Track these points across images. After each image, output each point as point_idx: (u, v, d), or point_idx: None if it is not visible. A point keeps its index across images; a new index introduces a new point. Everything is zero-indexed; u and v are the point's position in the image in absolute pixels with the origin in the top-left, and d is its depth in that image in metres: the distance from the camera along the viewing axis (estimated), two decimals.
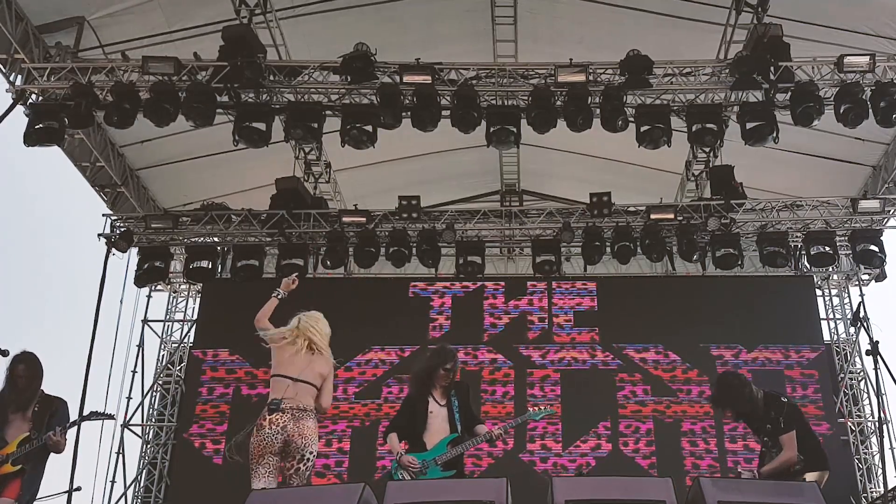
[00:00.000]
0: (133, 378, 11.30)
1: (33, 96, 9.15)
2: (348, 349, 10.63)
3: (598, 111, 8.90)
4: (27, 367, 5.42)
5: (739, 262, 10.77)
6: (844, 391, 11.21)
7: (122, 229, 10.90)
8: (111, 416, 5.90)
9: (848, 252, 11.18)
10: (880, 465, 10.82)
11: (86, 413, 5.71)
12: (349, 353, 10.60)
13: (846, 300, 12.17)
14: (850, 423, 11.03)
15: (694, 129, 9.08)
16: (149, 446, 11.31)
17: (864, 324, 6.30)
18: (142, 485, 11.09)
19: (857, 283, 11.86)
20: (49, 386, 5.50)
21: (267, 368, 10.92)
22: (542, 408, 6.06)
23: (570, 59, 8.86)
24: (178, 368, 11.84)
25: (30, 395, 5.40)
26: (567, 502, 4.59)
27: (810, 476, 5.20)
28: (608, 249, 10.95)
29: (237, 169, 11.39)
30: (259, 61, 8.83)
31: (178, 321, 12.32)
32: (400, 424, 5.79)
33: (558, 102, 9.03)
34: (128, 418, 11.06)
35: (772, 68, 8.57)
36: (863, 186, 11.37)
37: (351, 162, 11.71)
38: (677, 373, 10.37)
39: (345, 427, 10.27)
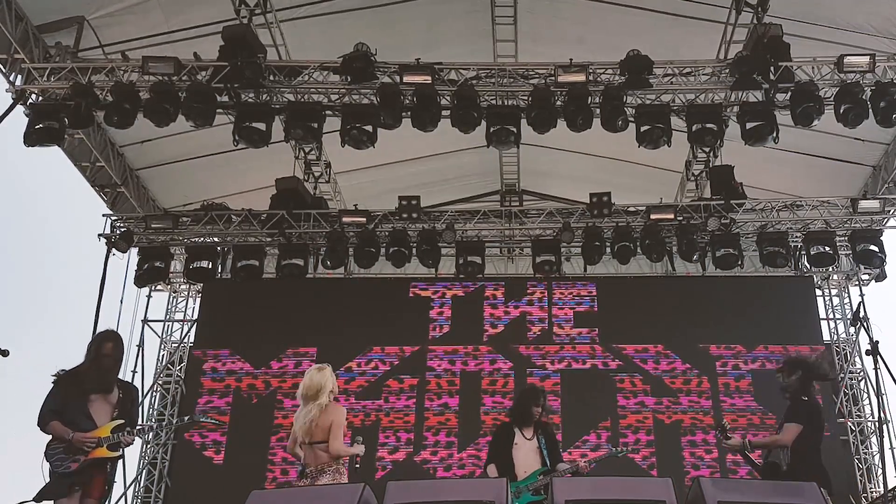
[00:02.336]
0: (133, 378, 11.27)
1: (33, 96, 9.14)
2: (348, 349, 10.64)
3: (598, 111, 8.90)
4: (115, 345, 5.27)
5: (739, 262, 10.77)
6: (844, 391, 11.21)
7: (123, 229, 10.90)
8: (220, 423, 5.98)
9: (848, 252, 11.18)
10: (880, 465, 10.82)
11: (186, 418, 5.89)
12: (349, 353, 10.61)
13: (846, 300, 12.17)
14: (849, 423, 11.04)
15: (694, 129, 9.07)
16: (149, 446, 11.30)
17: (864, 324, 6.30)
18: (142, 485, 11.09)
19: (857, 283, 11.85)
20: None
21: (266, 368, 11.04)
22: (622, 448, 6.85)
23: (571, 59, 8.86)
24: (178, 368, 11.84)
25: (113, 376, 5.25)
26: (567, 502, 4.59)
27: None
28: (608, 249, 10.95)
29: (237, 169, 11.39)
30: (259, 61, 8.83)
31: (178, 321, 12.32)
32: (494, 456, 6.21)
33: (558, 102, 9.03)
34: None
35: (772, 68, 8.57)
36: (863, 186, 11.36)
37: (351, 164, 11.72)
38: (677, 373, 10.36)
39: (345, 427, 10.25)
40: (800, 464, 5.33)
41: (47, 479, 4.97)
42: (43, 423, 5.00)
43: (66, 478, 4.92)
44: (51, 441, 5.01)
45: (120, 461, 5.45)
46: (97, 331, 5.65)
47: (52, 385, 5.11)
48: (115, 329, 5.45)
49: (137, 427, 5.23)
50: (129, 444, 5.16)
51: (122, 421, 5.11)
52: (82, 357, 5.26)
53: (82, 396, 5.08)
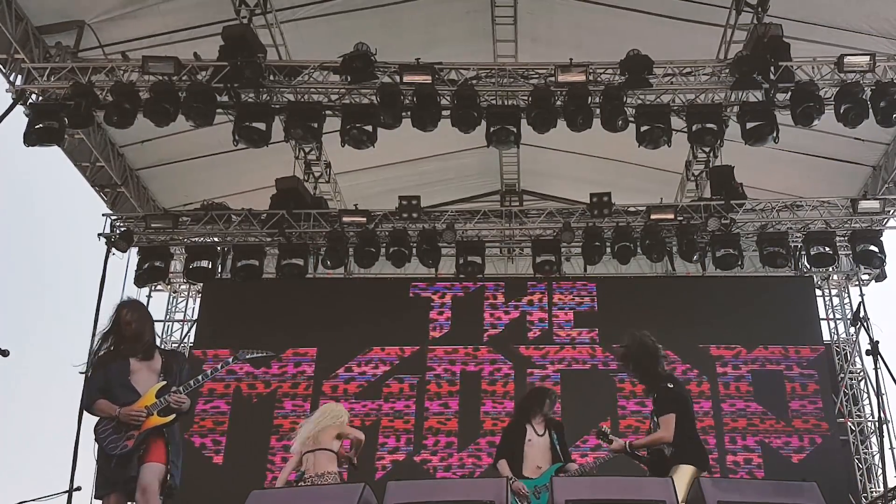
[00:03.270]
0: None
1: (33, 96, 9.14)
2: (348, 349, 10.64)
3: (598, 111, 8.90)
4: (131, 310, 4.89)
5: (739, 263, 10.76)
6: (844, 391, 11.21)
7: (122, 229, 10.89)
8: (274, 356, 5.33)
9: (848, 252, 11.18)
10: (880, 465, 10.82)
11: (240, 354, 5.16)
12: (349, 353, 10.62)
13: (846, 300, 12.17)
14: (850, 423, 11.04)
15: (694, 129, 9.07)
16: None
17: (864, 324, 6.32)
18: None
19: (857, 283, 11.86)
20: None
21: (266, 369, 11.04)
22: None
23: (570, 59, 8.86)
24: None
25: (147, 340, 4.87)
26: (567, 502, 4.59)
27: (683, 468, 5.19)
28: (608, 249, 10.94)
29: (237, 169, 11.39)
30: (259, 61, 8.83)
31: (178, 321, 12.33)
32: (506, 451, 6.21)
33: (558, 102, 9.03)
34: None
35: (772, 68, 8.57)
36: (863, 186, 11.37)
37: (351, 165, 11.72)
38: (677, 373, 10.34)
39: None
40: (681, 448, 5.31)
41: (99, 465, 4.58)
42: (89, 404, 4.66)
43: (124, 460, 4.52)
44: (99, 421, 4.63)
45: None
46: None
47: (92, 368, 4.83)
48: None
49: (185, 385, 4.74)
50: (180, 404, 4.65)
51: (165, 382, 4.71)
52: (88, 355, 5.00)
53: (122, 369, 4.72)
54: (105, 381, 4.70)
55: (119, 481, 4.52)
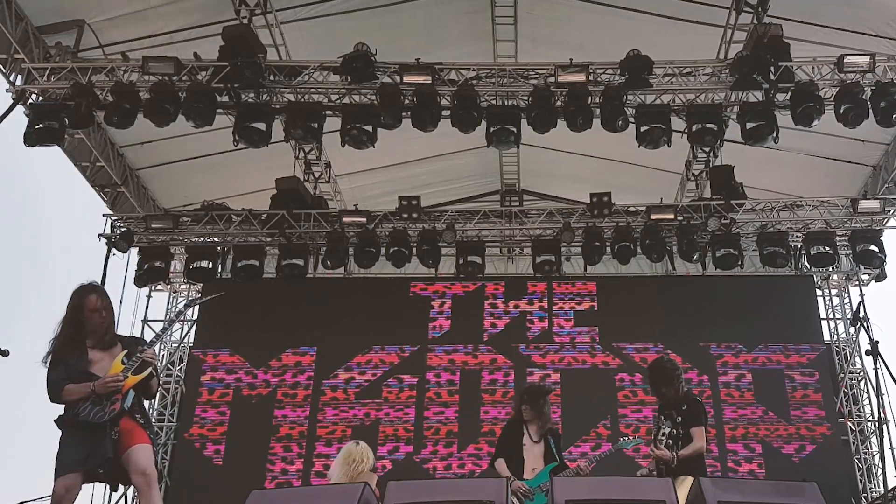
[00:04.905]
0: None
1: (33, 96, 9.14)
2: (348, 349, 10.65)
3: (598, 111, 8.90)
4: (100, 296, 4.51)
5: (739, 262, 10.77)
6: (844, 391, 11.21)
7: (123, 229, 10.89)
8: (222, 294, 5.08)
9: (848, 252, 11.18)
10: (880, 465, 10.82)
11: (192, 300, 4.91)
12: (349, 353, 10.63)
13: (846, 300, 12.17)
14: (850, 423, 11.04)
15: (694, 129, 9.07)
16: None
17: (864, 324, 6.33)
18: None
19: (857, 283, 11.86)
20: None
21: (266, 368, 11.06)
22: (631, 437, 6.44)
23: (571, 59, 8.86)
24: (178, 368, 11.84)
25: (113, 331, 4.54)
26: (567, 502, 4.59)
27: (688, 479, 5.23)
28: (608, 249, 10.94)
29: (237, 170, 11.39)
30: (259, 61, 8.83)
31: (178, 321, 12.31)
32: (503, 451, 6.25)
33: (558, 102, 9.03)
34: None
35: (772, 68, 8.56)
36: (863, 186, 11.37)
37: (352, 166, 11.72)
38: None
39: (345, 427, 10.28)
40: (687, 459, 5.48)
41: (67, 444, 4.25)
42: (56, 392, 4.30)
43: (107, 429, 4.20)
44: (72, 404, 4.29)
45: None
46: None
47: (48, 362, 4.44)
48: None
49: (149, 342, 4.57)
50: (152, 359, 4.41)
51: (126, 351, 4.41)
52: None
53: (81, 360, 4.39)
54: (66, 374, 4.35)
55: (85, 459, 4.20)
